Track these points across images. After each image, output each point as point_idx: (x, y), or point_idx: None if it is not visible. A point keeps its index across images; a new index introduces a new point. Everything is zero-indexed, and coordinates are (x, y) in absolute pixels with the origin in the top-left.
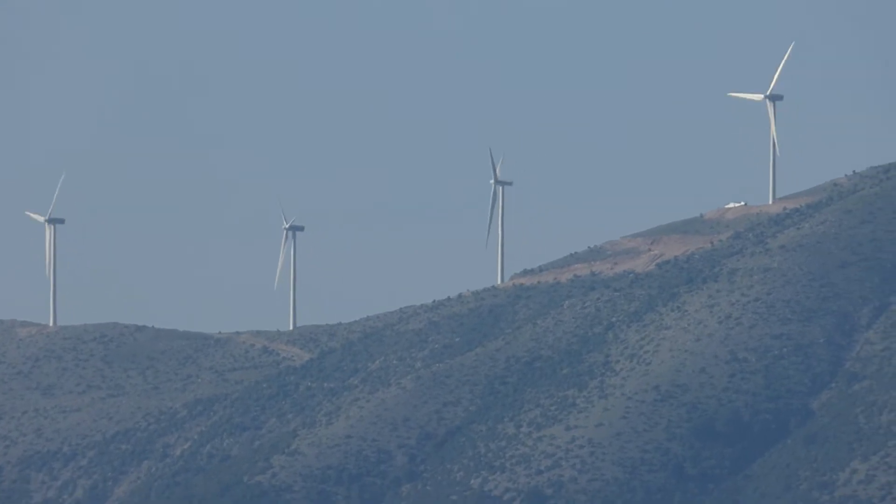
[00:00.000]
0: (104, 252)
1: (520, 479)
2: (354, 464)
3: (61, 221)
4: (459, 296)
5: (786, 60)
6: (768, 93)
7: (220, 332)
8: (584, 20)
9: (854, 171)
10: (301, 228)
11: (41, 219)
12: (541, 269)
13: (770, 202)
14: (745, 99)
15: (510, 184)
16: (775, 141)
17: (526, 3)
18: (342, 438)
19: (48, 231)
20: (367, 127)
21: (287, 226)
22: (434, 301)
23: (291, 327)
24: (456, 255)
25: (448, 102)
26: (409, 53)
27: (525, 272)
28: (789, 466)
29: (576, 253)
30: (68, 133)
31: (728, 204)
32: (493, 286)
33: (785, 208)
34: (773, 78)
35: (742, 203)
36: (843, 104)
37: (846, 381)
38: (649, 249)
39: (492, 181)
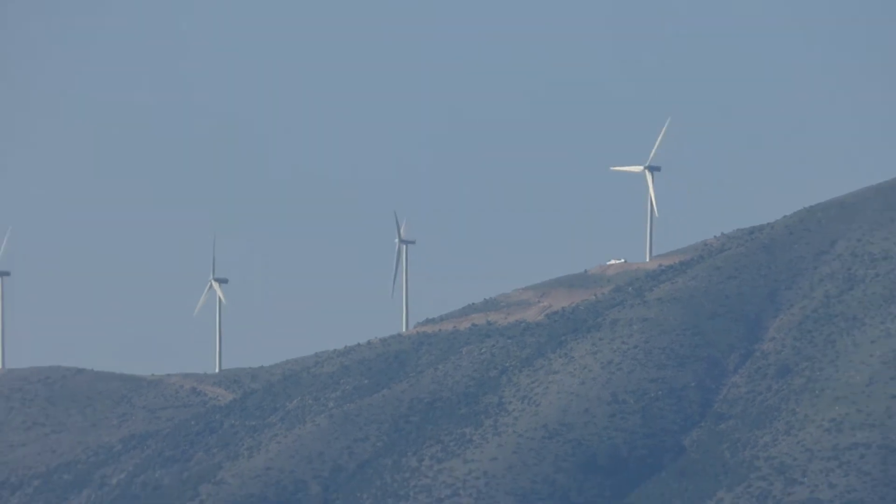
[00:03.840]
0: (47, 301)
1: None
2: (274, 492)
3: (7, 274)
4: (368, 342)
5: (662, 136)
6: (647, 164)
7: (152, 375)
8: (481, 91)
9: (722, 233)
10: (225, 280)
11: None
12: (441, 319)
13: (647, 259)
14: (626, 171)
15: (413, 242)
16: (653, 205)
17: (422, 68)
18: (262, 470)
19: None
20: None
21: (212, 277)
22: (346, 346)
23: (217, 370)
24: (366, 305)
25: (354, 169)
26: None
27: (427, 321)
28: (663, 496)
29: (473, 304)
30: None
31: (610, 261)
32: (398, 333)
33: (660, 265)
34: (651, 151)
35: (622, 260)
36: (714, 172)
37: (714, 420)
38: (539, 301)
39: (396, 240)
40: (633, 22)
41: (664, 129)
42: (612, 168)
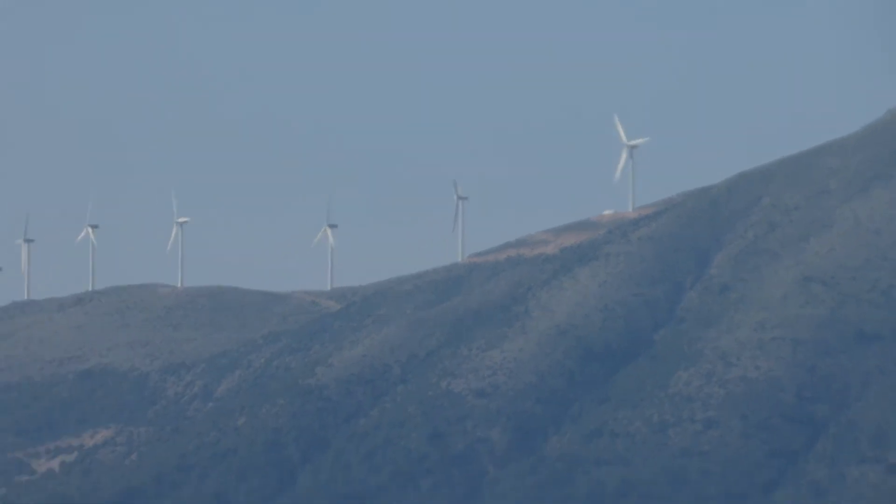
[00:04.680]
0: (212, 239)
1: (472, 384)
2: (367, 372)
3: (185, 222)
4: (434, 269)
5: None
6: (628, 143)
7: (284, 291)
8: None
9: (682, 191)
10: (335, 226)
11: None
12: (486, 252)
13: (630, 210)
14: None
15: (466, 198)
16: (629, 170)
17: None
18: (360, 357)
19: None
20: None
21: (326, 224)
22: (419, 272)
23: (329, 287)
24: (433, 243)
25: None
26: None
27: (476, 254)
28: (639, 376)
29: (508, 242)
30: None
31: (605, 211)
32: (456, 262)
33: (640, 214)
34: (628, 140)
35: (614, 211)
36: (677, 143)
37: (676, 323)
38: (555, 240)
39: (455, 197)
40: None
41: (618, 124)
42: (627, 145)
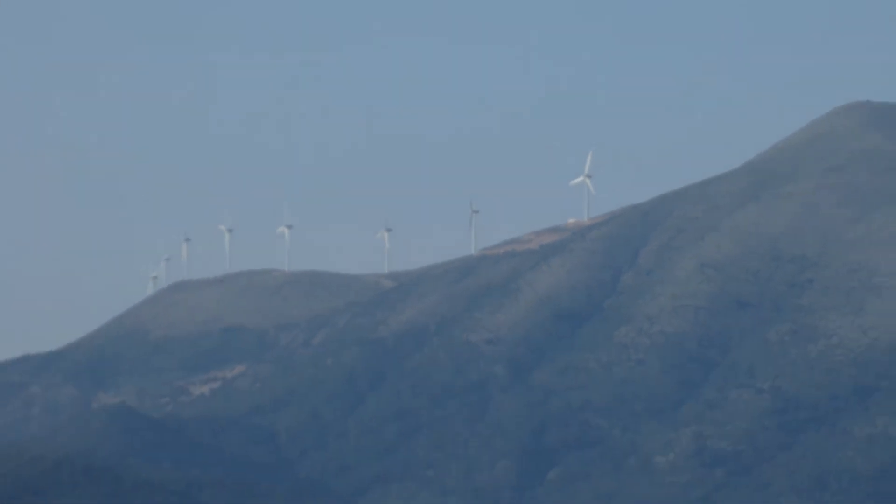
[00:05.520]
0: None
1: (483, 336)
2: (413, 328)
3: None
4: (456, 259)
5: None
6: (585, 175)
7: (356, 273)
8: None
9: (620, 206)
10: (391, 229)
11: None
12: (491, 247)
13: (586, 219)
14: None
15: (478, 211)
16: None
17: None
18: (407, 319)
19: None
20: None
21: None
22: (445, 261)
23: (386, 271)
24: (450, 241)
25: None
26: None
27: (484, 248)
28: (596, 330)
29: (507, 240)
30: None
31: (570, 220)
32: (471, 255)
33: (593, 221)
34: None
35: (575, 219)
36: (618, 171)
37: (617, 294)
38: (537, 238)
39: (470, 211)
40: None
41: (589, 160)
42: (570, 182)
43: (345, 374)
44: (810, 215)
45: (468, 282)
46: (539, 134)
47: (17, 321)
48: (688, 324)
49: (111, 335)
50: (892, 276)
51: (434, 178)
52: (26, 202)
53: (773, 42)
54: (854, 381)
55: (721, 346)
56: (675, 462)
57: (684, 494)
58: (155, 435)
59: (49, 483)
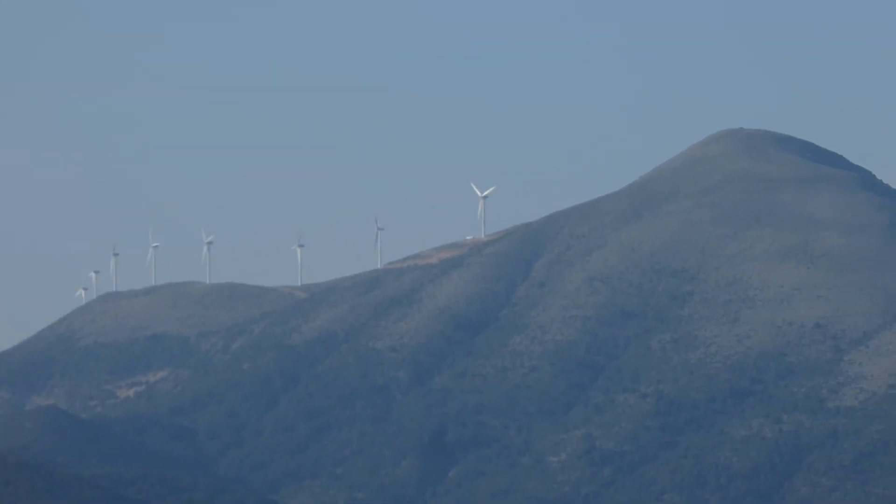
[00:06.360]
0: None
1: (387, 343)
2: (324, 336)
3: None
4: (363, 272)
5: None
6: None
7: (271, 286)
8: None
9: (514, 224)
10: (303, 245)
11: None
12: (395, 262)
13: (483, 236)
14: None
15: (383, 229)
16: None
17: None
18: (319, 327)
19: (205, 248)
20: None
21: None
22: (353, 274)
23: (300, 283)
24: (358, 256)
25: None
26: None
27: (388, 263)
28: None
29: (410, 255)
30: None
31: (468, 237)
32: (376, 268)
33: (489, 238)
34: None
35: (472, 237)
36: (517, 190)
37: (512, 303)
38: (438, 254)
39: (376, 229)
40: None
41: (488, 193)
42: (481, 196)
43: (260, 377)
44: (689, 232)
45: (374, 293)
46: (439, 155)
47: None
48: (577, 332)
49: (44, 342)
50: (765, 289)
51: (342, 198)
52: None
53: (654, 71)
54: (730, 386)
55: (608, 354)
56: (565, 461)
57: (575, 491)
58: (84, 434)
59: None
